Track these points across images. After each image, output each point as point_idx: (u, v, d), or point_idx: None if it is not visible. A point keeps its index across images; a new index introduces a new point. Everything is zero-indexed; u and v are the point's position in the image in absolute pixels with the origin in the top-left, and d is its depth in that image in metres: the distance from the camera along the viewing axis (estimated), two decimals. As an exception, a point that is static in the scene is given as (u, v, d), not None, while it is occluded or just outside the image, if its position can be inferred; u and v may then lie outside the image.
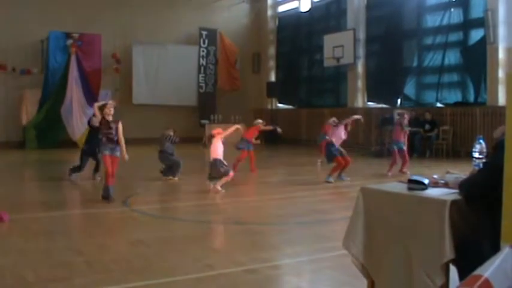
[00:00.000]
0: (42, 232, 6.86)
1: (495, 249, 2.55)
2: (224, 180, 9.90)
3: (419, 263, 3.46)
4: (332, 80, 23.18)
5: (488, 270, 2.36)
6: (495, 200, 2.74)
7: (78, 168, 11.42)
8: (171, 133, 11.76)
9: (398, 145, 12.76)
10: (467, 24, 17.02)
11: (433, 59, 18.04)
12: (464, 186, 3.41)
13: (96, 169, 11.49)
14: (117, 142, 8.96)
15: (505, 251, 2.50)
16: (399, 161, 12.75)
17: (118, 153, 9.02)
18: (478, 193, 3.27)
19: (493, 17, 15.52)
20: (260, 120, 13.95)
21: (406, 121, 13.01)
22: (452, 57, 17.45)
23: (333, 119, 12.83)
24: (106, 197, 8.90)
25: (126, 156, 9.05)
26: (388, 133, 17.72)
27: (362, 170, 13.85)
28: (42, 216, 7.97)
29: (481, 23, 16.12)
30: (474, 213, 3.48)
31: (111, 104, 9.28)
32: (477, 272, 2.38)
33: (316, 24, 23.67)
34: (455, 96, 17.47)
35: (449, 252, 3.27)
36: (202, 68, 24.34)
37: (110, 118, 8.94)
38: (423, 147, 17.31)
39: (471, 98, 16.85)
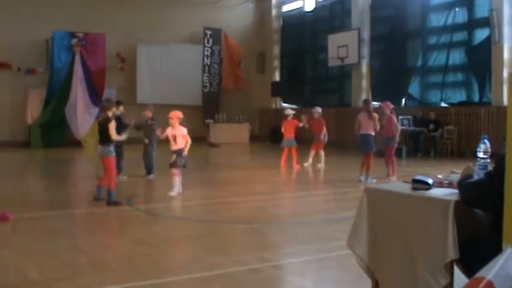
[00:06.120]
0: (46, 231, 6.88)
1: (497, 249, 2.54)
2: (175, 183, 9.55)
3: (424, 263, 3.44)
4: (336, 79, 23.19)
5: (491, 272, 2.35)
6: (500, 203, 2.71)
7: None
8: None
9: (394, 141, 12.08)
10: (472, 24, 16.99)
11: (437, 58, 18.00)
12: (471, 191, 3.29)
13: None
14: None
15: (507, 252, 2.49)
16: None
17: None
18: (488, 201, 3.16)
19: (498, 17, 15.48)
20: (291, 111, 14.20)
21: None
22: (457, 56, 17.41)
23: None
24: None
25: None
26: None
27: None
28: (46, 215, 7.98)
29: (486, 22, 16.08)
30: (477, 214, 3.46)
31: None
32: (480, 274, 2.37)
33: (320, 24, 23.66)
34: (459, 95, 17.44)
35: (452, 252, 3.26)
36: (206, 68, 24.31)
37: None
38: (427, 147, 17.30)
39: (476, 97, 16.82)
